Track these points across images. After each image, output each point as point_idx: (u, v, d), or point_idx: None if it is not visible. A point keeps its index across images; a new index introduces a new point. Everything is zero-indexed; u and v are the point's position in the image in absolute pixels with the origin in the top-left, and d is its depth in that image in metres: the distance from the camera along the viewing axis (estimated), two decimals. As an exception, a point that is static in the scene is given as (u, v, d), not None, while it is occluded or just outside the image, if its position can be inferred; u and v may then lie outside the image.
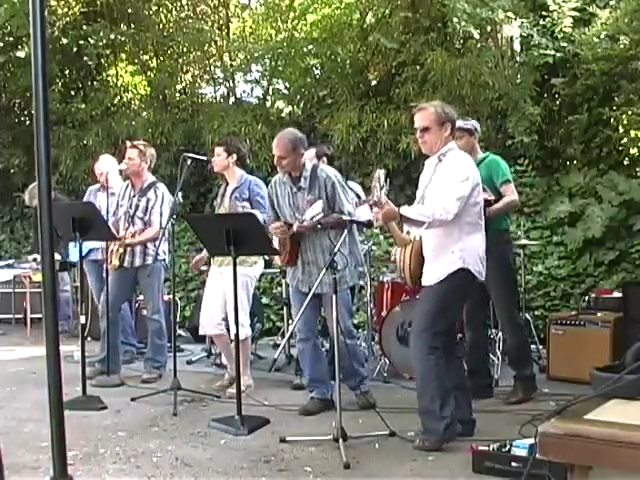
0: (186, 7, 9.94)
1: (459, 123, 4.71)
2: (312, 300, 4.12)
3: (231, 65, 9.43)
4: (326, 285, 4.30)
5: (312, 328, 4.62)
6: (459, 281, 3.72)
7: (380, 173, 3.69)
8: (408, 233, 3.94)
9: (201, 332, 5.45)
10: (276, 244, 4.74)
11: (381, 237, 7.29)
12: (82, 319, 5.02)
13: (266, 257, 5.40)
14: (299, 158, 4.51)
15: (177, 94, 9.84)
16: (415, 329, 3.88)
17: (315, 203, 4.27)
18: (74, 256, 5.45)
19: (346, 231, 4.12)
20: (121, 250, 5.43)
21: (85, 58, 9.93)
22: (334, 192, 4.46)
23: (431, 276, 3.79)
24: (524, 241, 5.90)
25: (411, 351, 3.91)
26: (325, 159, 5.43)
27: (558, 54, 6.93)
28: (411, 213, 3.65)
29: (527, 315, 5.84)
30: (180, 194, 4.97)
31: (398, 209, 3.63)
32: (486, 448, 3.37)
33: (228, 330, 5.03)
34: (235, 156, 5.12)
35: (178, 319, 6.94)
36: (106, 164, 6.20)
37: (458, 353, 4.11)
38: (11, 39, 9.76)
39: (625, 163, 6.93)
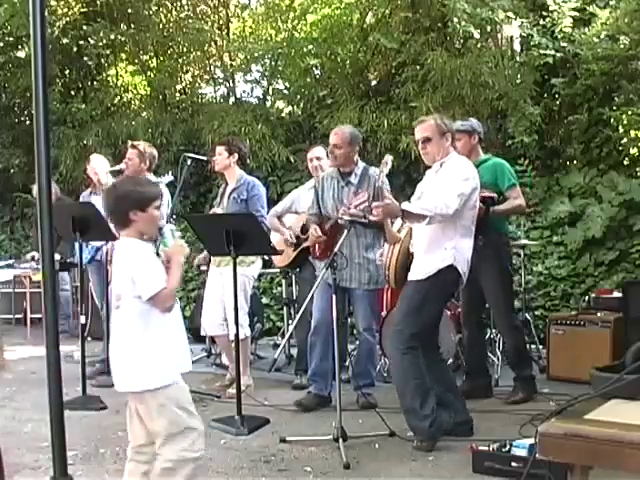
0: (186, 7, 9.95)
1: (456, 125, 4.72)
2: (327, 294, 4.13)
3: (231, 65, 9.44)
4: (355, 281, 4.34)
5: (327, 320, 4.61)
6: (445, 279, 3.74)
7: (389, 159, 3.75)
8: (399, 231, 3.95)
9: (203, 333, 5.45)
10: (275, 243, 4.75)
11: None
12: (82, 319, 5.03)
13: (265, 257, 5.40)
14: (353, 154, 4.61)
15: (177, 94, 9.85)
16: (394, 327, 3.89)
17: (361, 193, 4.29)
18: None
19: (346, 231, 4.12)
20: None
21: (85, 58, 9.95)
22: (381, 194, 4.48)
23: (420, 270, 3.78)
24: (524, 241, 5.90)
25: (388, 349, 3.92)
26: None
27: (558, 54, 6.93)
28: (413, 208, 3.66)
29: (527, 315, 5.84)
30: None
31: (399, 205, 3.64)
32: (486, 448, 3.36)
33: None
34: (236, 156, 5.13)
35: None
36: (100, 164, 6.21)
37: (440, 355, 4.11)
38: (11, 39, 9.77)
39: (625, 163, 6.93)
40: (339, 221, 4.44)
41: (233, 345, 4.63)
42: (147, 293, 2.59)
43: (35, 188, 7.18)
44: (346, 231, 4.13)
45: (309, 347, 4.68)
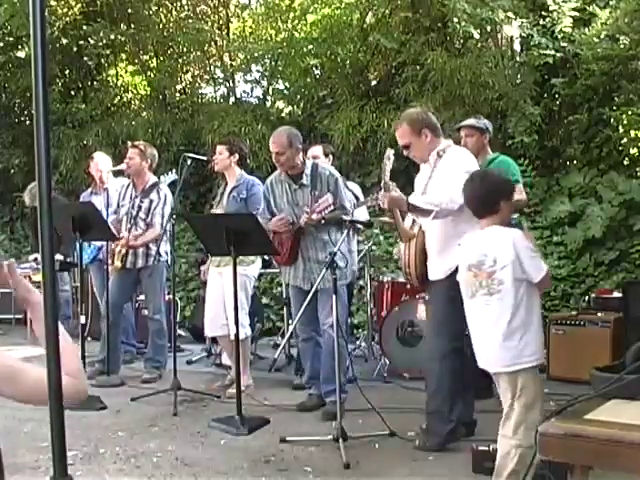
0: (186, 7, 9.96)
1: (471, 121, 4.73)
2: (302, 298, 4.12)
3: (231, 65, 9.45)
4: (328, 281, 4.32)
5: (314, 327, 4.62)
6: None
7: (390, 153, 3.72)
8: (412, 228, 3.93)
9: (206, 334, 5.45)
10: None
11: (381, 237, 7.29)
12: (82, 319, 5.03)
13: (266, 257, 5.40)
14: (297, 154, 4.50)
15: (177, 94, 9.86)
16: (434, 329, 3.82)
17: (324, 197, 4.27)
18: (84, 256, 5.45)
19: (346, 231, 4.12)
20: (123, 251, 5.43)
21: (85, 58, 9.96)
22: (337, 189, 4.48)
23: (438, 269, 3.74)
24: (524, 241, 5.90)
25: (428, 351, 3.89)
26: (331, 157, 5.49)
27: (558, 54, 6.93)
28: (419, 202, 3.65)
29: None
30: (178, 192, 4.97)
31: (406, 198, 3.62)
32: (486, 448, 3.36)
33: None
34: (237, 156, 5.12)
35: (178, 319, 6.94)
36: (104, 163, 6.21)
37: (467, 354, 4.10)
38: (11, 39, 9.78)
39: (625, 163, 6.94)
40: (302, 224, 4.40)
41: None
42: (538, 275, 2.82)
43: (26, 194, 7.09)
44: (346, 231, 4.12)
45: (300, 353, 4.69)
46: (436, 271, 3.77)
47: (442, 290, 3.75)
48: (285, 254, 4.54)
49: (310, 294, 4.05)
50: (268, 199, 4.67)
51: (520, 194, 4.64)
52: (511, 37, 7.67)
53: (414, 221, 3.92)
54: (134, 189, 5.59)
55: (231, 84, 9.56)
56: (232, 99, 9.44)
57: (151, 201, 5.48)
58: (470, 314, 3.02)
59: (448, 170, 3.72)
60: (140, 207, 5.48)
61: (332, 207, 4.25)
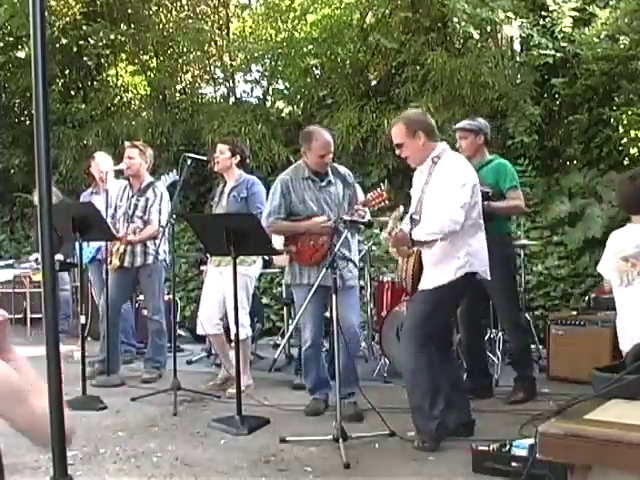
0: (186, 7, 9.95)
1: (463, 123, 4.72)
2: (320, 299, 4.10)
3: (231, 65, 9.44)
4: (351, 279, 4.33)
5: (321, 330, 4.56)
6: (459, 284, 3.71)
7: (400, 210, 3.82)
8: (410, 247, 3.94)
9: (199, 331, 5.44)
10: (276, 245, 4.71)
11: (381, 237, 7.29)
12: (82, 319, 5.02)
13: (266, 257, 5.40)
14: None
15: (177, 94, 9.86)
16: (408, 327, 3.85)
17: (377, 190, 4.18)
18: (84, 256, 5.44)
19: (346, 231, 4.12)
20: (121, 250, 5.43)
21: (85, 58, 9.96)
22: (355, 190, 4.47)
23: (431, 281, 3.75)
24: (524, 241, 5.90)
25: (401, 348, 3.92)
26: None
27: (558, 54, 6.93)
28: (421, 235, 3.67)
29: (527, 315, 5.84)
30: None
31: (409, 234, 3.67)
32: (486, 448, 3.36)
33: (228, 329, 5.01)
34: (238, 157, 5.12)
35: (178, 319, 6.94)
36: (105, 163, 6.21)
37: (453, 354, 4.11)
38: (11, 39, 9.78)
39: (625, 163, 6.93)
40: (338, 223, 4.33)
41: (230, 345, 4.61)
42: None
43: (36, 195, 7.17)
44: (346, 231, 4.12)
45: (305, 361, 4.58)
46: (428, 281, 3.77)
47: (427, 293, 3.76)
48: (318, 254, 4.35)
49: (312, 290, 3.95)
50: (286, 197, 4.45)
51: (517, 200, 4.64)
52: (511, 37, 7.66)
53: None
54: (130, 189, 5.60)
55: (231, 84, 9.55)
56: (232, 99, 9.44)
57: (147, 199, 5.48)
58: (624, 300, 3.34)
59: (443, 182, 3.69)
60: (136, 206, 5.49)
61: (384, 197, 4.11)
